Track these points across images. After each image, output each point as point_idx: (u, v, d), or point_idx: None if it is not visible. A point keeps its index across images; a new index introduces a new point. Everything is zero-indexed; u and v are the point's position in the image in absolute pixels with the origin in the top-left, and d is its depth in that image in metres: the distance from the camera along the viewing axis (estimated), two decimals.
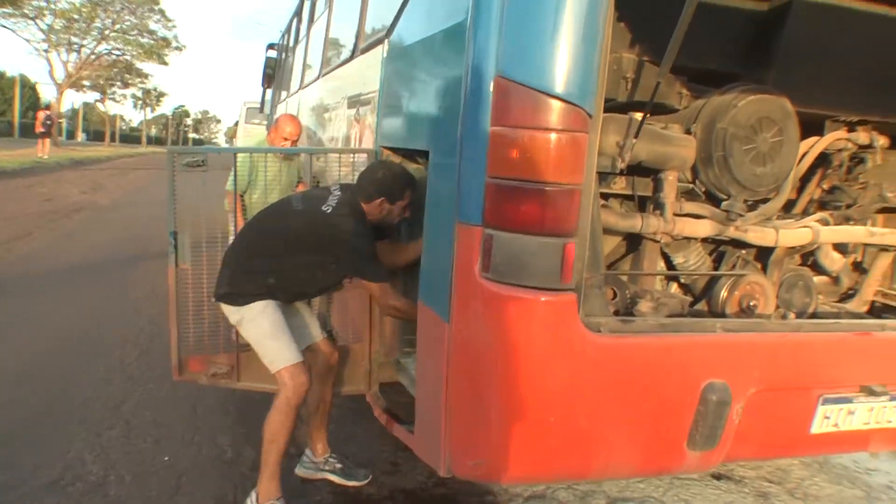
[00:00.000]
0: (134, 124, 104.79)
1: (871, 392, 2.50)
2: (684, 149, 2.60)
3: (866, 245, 3.30)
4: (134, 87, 60.79)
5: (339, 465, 3.42)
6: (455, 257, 2.24)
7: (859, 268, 3.38)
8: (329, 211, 2.89)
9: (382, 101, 3.26)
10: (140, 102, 76.86)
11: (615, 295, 2.63)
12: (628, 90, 2.56)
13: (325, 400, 3.36)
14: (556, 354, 2.13)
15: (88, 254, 8.69)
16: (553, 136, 2.01)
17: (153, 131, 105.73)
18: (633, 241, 2.90)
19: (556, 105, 1.99)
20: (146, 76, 56.97)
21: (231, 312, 3.01)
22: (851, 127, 2.98)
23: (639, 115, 2.55)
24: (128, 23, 46.87)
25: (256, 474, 3.05)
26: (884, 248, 3.21)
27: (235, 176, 4.17)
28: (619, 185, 2.76)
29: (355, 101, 3.94)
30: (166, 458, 3.55)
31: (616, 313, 2.52)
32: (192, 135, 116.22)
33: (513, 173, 2.06)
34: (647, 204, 2.78)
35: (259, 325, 2.96)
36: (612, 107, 2.43)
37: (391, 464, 3.66)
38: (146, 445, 3.67)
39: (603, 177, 2.64)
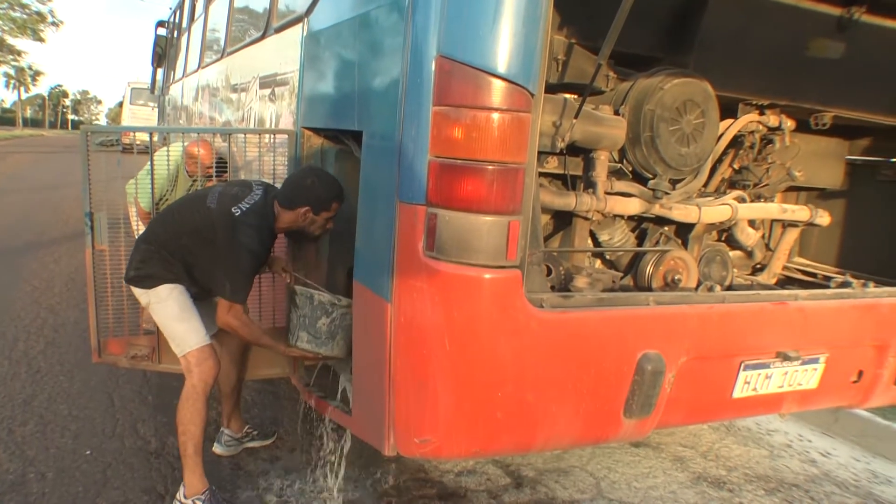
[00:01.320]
0: (7, 105, 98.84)
1: (786, 357, 2.67)
2: (615, 129, 2.68)
3: (775, 221, 3.51)
4: (6, 65, 57.09)
5: (255, 433, 3.66)
6: (396, 237, 2.23)
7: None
8: (237, 214, 2.79)
9: (303, 82, 3.21)
10: (13, 81, 72.54)
11: (549, 271, 2.70)
12: (558, 72, 2.63)
13: (241, 379, 3.46)
14: (502, 330, 2.17)
15: None
16: (498, 115, 2.03)
17: (29, 113, 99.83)
18: (561, 220, 2.98)
19: (500, 85, 2.01)
20: (19, 53, 53.58)
21: (140, 294, 2.97)
22: (762, 110, 3.15)
23: (570, 96, 2.62)
24: None
25: None
26: (792, 224, 3.42)
27: (152, 184, 3.44)
28: (552, 165, 2.82)
29: (269, 82, 3.85)
30: (88, 452, 3.41)
31: (552, 289, 2.59)
32: (71, 116, 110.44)
33: (457, 153, 2.06)
34: (577, 183, 2.86)
35: (167, 307, 2.92)
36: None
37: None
38: (65, 440, 3.51)
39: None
